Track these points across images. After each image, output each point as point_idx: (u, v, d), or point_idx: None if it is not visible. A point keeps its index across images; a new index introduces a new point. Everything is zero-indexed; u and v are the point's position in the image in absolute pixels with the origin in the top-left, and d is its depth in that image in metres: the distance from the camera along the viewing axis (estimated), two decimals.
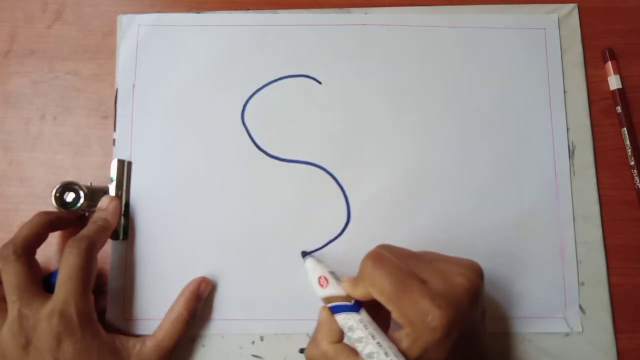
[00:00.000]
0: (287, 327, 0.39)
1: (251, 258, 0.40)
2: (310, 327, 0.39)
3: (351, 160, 0.41)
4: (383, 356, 0.29)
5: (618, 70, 0.42)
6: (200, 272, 0.39)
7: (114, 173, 0.40)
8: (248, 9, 0.44)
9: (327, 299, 0.34)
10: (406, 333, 0.30)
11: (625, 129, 0.42)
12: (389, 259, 0.32)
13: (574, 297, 0.39)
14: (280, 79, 0.42)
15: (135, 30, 0.43)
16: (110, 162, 0.41)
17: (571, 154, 0.41)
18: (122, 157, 0.41)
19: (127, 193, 0.40)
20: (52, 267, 0.40)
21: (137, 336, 0.37)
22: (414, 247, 0.36)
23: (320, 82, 0.42)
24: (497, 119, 0.42)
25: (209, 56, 0.43)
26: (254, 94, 0.42)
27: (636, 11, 0.44)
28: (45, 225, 0.37)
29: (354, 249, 0.40)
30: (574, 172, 0.41)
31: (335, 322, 0.33)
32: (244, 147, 0.41)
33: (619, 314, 0.39)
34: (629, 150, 0.41)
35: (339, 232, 0.40)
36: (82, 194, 0.38)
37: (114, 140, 0.42)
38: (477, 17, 0.43)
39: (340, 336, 0.33)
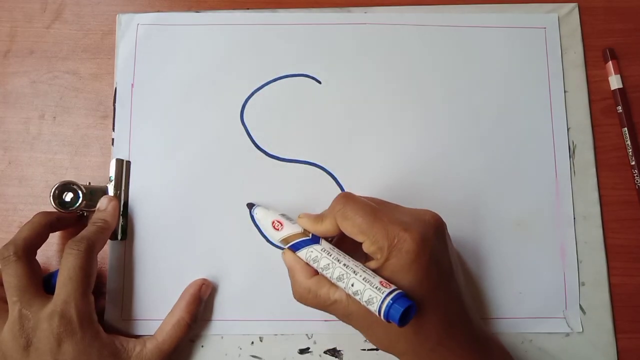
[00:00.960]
0: (286, 328, 0.39)
1: (250, 258, 0.40)
2: (310, 327, 0.39)
3: (351, 160, 0.41)
4: (352, 274, 0.30)
5: (619, 70, 0.42)
6: (199, 273, 0.39)
7: (112, 173, 0.40)
8: (247, 8, 0.44)
9: (285, 240, 0.35)
10: (377, 258, 0.31)
11: (625, 128, 0.42)
12: (359, 197, 0.34)
13: (574, 297, 0.39)
14: (280, 78, 0.42)
15: (134, 30, 0.43)
16: (109, 162, 0.40)
17: (571, 153, 0.41)
18: (121, 157, 0.41)
19: (125, 193, 0.40)
20: (52, 268, 0.40)
21: (137, 337, 0.37)
22: None
23: (319, 82, 0.42)
24: (497, 118, 0.42)
25: (208, 55, 0.43)
26: (253, 93, 0.42)
27: (636, 11, 0.44)
28: (45, 226, 0.37)
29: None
30: (574, 172, 0.41)
31: (302, 259, 0.34)
32: (243, 147, 0.41)
33: (619, 314, 0.39)
34: (630, 150, 0.41)
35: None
36: (80, 193, 0.38)
37: (112, 139, 0.41)
38: (477, 17, 0.43)
39: (313, 270, 0.34)
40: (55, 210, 0.38)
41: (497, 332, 0.39)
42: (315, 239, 0.34)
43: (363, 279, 0.30)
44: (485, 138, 0.41)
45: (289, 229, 0.35)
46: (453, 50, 0.43)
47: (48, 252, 0.40)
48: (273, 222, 0.36)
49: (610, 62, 0.42)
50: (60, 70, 0.43)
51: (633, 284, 0.40)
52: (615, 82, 0.42)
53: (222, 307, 0.39)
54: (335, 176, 0.41)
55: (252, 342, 0.39)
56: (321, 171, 0.41)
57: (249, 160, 0.41)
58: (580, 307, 0.39)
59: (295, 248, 0.34)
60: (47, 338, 0.33)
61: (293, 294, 0.34)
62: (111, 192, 0.40)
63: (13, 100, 0.43)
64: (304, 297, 0.34)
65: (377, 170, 0.41)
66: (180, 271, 0.39)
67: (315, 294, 0.33)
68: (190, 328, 0.37)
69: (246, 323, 0.39)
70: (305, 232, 0.34)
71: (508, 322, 0.39)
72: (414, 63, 0.42)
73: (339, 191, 0.41)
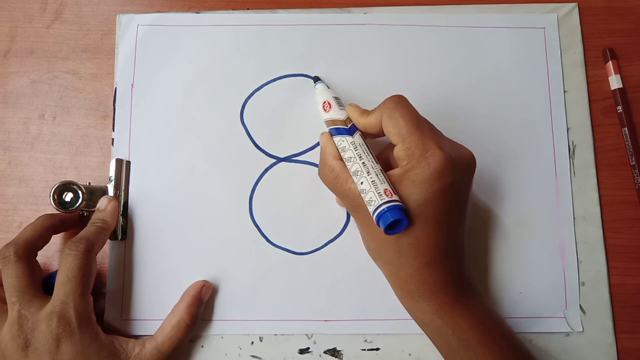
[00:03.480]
0: (286, 328, 0.39)
1: (250, 258, 0.40)
2: (310, 327, 0.39)
3: None
4: (365, 173, 0.32)
5: (619, 70, 0.42)
6: (199, 272, 0.39)
7: (112, 173, 0.40)
8: (247, 9, 0.44)
9: (328, 122, 0.37)
10: (402, 164, 0.32)
11: (625, 128, 0.42)
12: (411, 105, 0.34)
13: (575, 297, 0.39)
14: (280, 78, 0.42)
15: (134, 30, 0.43)
16: (109, 162, 0.40)
17: (571, 153, 0.41)
18: (121, 157, 0.41)
19: (125, 193, 0.40)
20: (52, 268, 0.40)
21: (137, 337, 0.37)
22: None
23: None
24: (497, 118, 0.42)
25: (208, 56, 0.43)
26: (253, 93, 0.42)
27: (636, 11, 0.44)
28: (48, 229, 0.37)
29: (353, 249, 0.40)
30: (574, 172, 0.41)
31: (334, 144, 0.35)
32: (243, 147, 0.41)
33: (619, 314, 0.39)
34: (630, 150, 0.41)
35: (339, 232, 0.40)
36: (80, 193, 0.38)
37: (112, 139, 0.41)
38: (477, 17, 0.43)
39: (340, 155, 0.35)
40: (55, 210, 0.38)
41: None
42: (351, 131, 0.35)
43: (372, 181, 0.31)
44: (485, 138, 0.41)
45: (334, 114, 0.37)
46: (453, 51, 0.43)
47: (48, 252, 0.40)
48: (324, 103, 0.38)
49: (610, 62, 0.42)
50: (60, 70, 0.43)
51: (633, 284, 0.40)
52: (615, 82, 0.42)
53: (222, 307, 0.39)
54: None
55: (252, 342, 0.39)
56: None
57: (248, 160, 0.41)
58: (580, 307, 0.39)
59: (333, 132, 0.36)
60: (45, 338, 0.33)
61: (318, 172, 0.36)
62: (111, 192, 0.40)
63: (13, 100, 0.43)
64: (326, 175, 0.35)
65: None
66: (180, 271, 0.39)
67: (336, 175, 0.34)
68: (190, 330, 0.37)
69: (246, 323, 0.39)
70: (347, 120, 0.36)
71: (508, 321, 0.39)
72: (413, 63, 0.42)
73: None
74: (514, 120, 0.42)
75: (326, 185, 0.36)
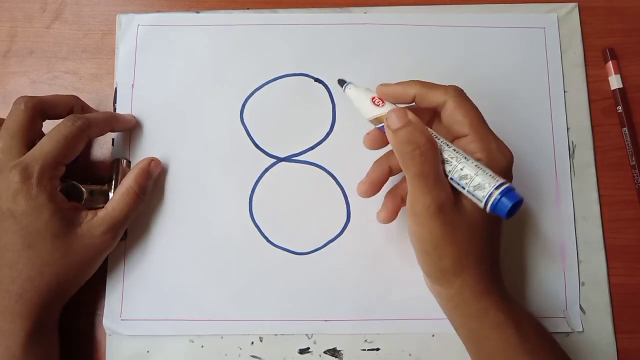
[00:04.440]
0: (286, 328, 0.39)
1: (250, 258, 0.40)
2: (310, 327, 0.39)
3: (351, 160, 0.41)
4: (463, 159, 0.30)
5: (619, 70, 0.42)
6: (198, 272, 0.39)
7: (113, 173, 0.40)
8: (247, 9, 0.44)
9: (376, 120, 0.33)
10: (476, 156, 0.31)
11: (625, 128, 0.42)
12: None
13: (575, 297, 0.39)
14: (280, 78, 0.42)
15: (134, 30, 0.43)
16: (109, 162, 0.40)
17: (571, 153, 0.41)
18: (121, 157, 0.41)
19: None
20: None
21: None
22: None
23: (319, 82, 0.42)
24: (497, 118, 0.41)
25: (208, 56, 0.43)
26: (253, 93, 0.42)
27: (636, 11, 0.44)
28: (68, 102, 0.38)
29: (354, 249, 0.40)
30: (574, 172, 0.41)
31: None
32: (243, 147, 0.41)
33: (619, 314, 0.39)
34: (630, 150, 0.41)
35: (339, 232, 0.40)
36: (81, 194, 0.38)
37: (112, 140, 0.41)
38: (477, 17, 0.43)
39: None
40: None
41: None
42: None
43: (475, 165, 0.30)
44: None
45: (387, 109, 0.33)
46: (453, 51, 0.43)
47: None
48: (373, 99, 0.34)
49: (610, 62, 0.42)
50: (60, 70, 0.43)
51: (633, 284, 0.40)
52: (615, 82, 0.42)
53: (222, 307, 0.39)
54: (335, 176, 0.41)
55: (252, 342, 0.39)
56: (321, 171, 0.41)
57: (248, 160, 0.41)
58: (581, 307, 0.39)
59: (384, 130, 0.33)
60: (5, 184, 0.34)
61: (387, 126, 0.32)
62: (111, 192, 0.39)
63: (13, 100, 0.43)
64: (414, 140, 0.31)
65: None
66: (180, 271, 0.39)
67: (424, 151, 0.31)
68: (139, 198, 0.38)
69: (246, 323, 0.39)
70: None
71: None
72: (413, 63, 0.42)
73: (339, 191, 0.41)
74: (514, 120, 0.42)
75: (398, 153, 0.32)
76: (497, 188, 0.29)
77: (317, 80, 0.42)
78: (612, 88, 0.42)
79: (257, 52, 0.43)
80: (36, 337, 0.34)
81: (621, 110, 0.42)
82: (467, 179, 0.30)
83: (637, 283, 0.40)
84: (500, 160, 0.32)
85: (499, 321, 0.32)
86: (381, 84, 0.35)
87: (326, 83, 0.42)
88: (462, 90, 0.33)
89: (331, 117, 0.42)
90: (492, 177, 0.29)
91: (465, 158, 0.31)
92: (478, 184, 0.29)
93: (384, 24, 0.43)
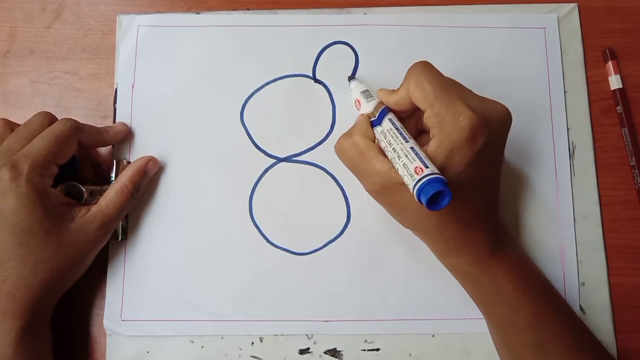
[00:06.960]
0: (286, 329, 0.39)
1: (250, 258, 0.40)
2: (310, 328, 0.39)
3: None
4: (397, 159, 0.31)
5: (619, 70, 0.42)
6: (199, 272, 0.39)
7: (112, 173, 0.40)
8: (248, 9, 0.44)
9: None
10: (434, 134, 0.31)
11: (625, 129, 0.42)
12: (436, 69, 0.33)
13: (575, 297, 0.39)
14: (280, 78, 0.42)
15: (134, 31, 0.43)
16: (110, 162, 0.40)
17: (571, 154, 0.41)
18: (121, 157, 0.41)
19: None
20: None
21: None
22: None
23: (319, 82, 0.42)
24: None
25: (209, 56, 0.43)
26: (253, 93, 0.42)
27: (636, 11, 0.44)
28: (74, 135, 0.37)
29: (354, 249, 0.40)
30: (574, 172, 0.41)
31: (370, 124, 0.35)
32: (243, 147, 0.41)
33: (619, 314, 0.39)
34: (630, 150, 0.41)
35: (339, 232, 0.40)
36: (81, 194, 0.38)
37: None
38: (477, 17, 0.43)
39: (372, 136, 0.34)
40: None
41: None
42: (379, 120, 0.35)
43: (403, 164, 0.30)
44: None
45: (364, 109, 0.37)
46: (453, 51, 0.43)
47: None
48: (355, 102, 0.38)
49: (610, 62, 0.42)
50: (60, 70, 0.43)
51: (633, 284, 0.40)
52: (615, 82, 0.42)
53: (222, 307, 0.39)
54: (335, 176, 0.41)
55: (252, 343, 0.39)
56: (321, 171, 0.41)
57: (248, 160, 0.41)
58: (580, 307, 0.39)
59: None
60: None
61: (338, 141, 0.36)
62: None
63: (13, 100, 0.43)
64: (345, 149, 0.35)
65: None
66: (180, 271, 0.39)
67: (359, 151, 0.34)
68: (132, 197, 0.38)
69: (246, 323, 0.39)
70: (374, 111, 0.36)
71: None
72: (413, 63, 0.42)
73: (339, 191, 0.41)
74: (514, 121, 0.41)
75: (343, 160, 0.35)
76: (414, 185, 0.29)
77: (317, 81, 0.42)
78: (612, 88, 0.42)
79: (257, 52, 0.43)
80: (28, 336, 0.34)
81: (621, 110, 0.42)
82: (404, 177, 0.30)
83: (637, 283, 0.40)
84: (454, 132, 0.30)
85: (473, 276, 0.34)
86: (378, 90, 0.37)
87: (326, 84, 0.42)
88: (424, 64, 0.33)
89: (331, 117, 0.42)
90: (412, 175, 0.29)
91: (399, 157, 0.31)
92: (407, 182, 0.30)
93: (384, 25, 0.43)
